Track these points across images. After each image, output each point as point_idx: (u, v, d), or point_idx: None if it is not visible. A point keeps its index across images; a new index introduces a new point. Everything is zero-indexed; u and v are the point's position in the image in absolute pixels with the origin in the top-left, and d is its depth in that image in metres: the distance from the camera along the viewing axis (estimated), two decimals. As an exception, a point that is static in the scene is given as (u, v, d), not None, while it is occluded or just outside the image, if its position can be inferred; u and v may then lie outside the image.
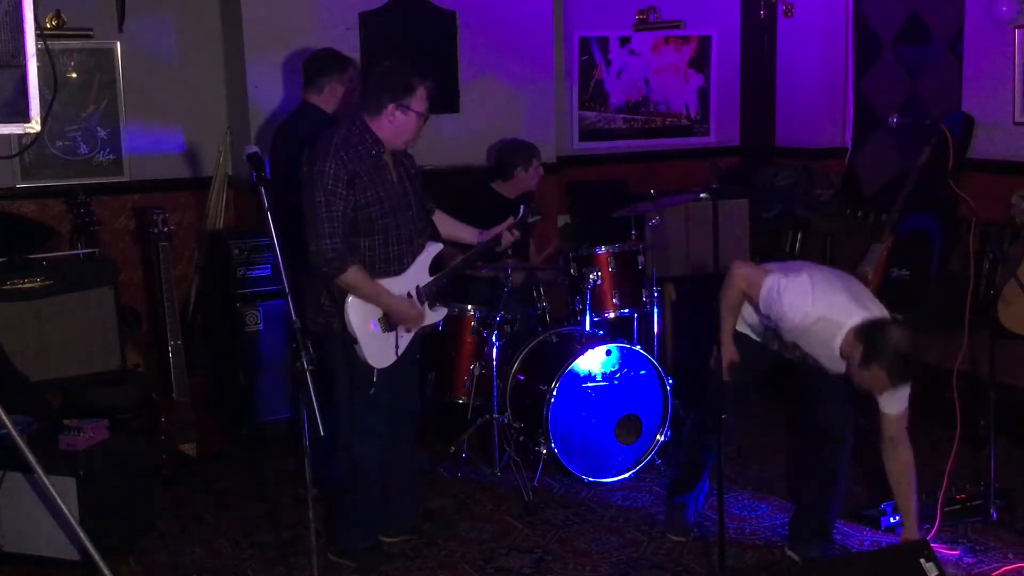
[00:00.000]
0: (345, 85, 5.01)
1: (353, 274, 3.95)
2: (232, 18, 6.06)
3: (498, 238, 4.38)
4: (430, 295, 4.20)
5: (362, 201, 3.94)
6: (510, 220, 4.43)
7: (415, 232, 4.14)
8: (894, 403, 3.85)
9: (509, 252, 4.97)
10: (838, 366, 3.83)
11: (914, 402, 5.60)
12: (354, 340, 4.00)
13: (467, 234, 4.46)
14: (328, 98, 4.99)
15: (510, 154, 5.76)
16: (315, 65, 5.05)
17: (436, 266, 4.27)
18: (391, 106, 3.99)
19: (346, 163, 3.92)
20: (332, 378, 4.13)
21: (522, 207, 4.61)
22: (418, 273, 4.16)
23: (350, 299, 3.98)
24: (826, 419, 4.13)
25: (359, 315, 4.00)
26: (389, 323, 4.07)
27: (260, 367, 5.53)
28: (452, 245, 4.53)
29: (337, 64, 5.02)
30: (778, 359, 4.18)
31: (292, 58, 5.93)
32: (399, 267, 4.09)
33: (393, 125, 4.01)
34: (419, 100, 4.03)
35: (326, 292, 4.01)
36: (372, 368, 4.04)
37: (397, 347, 4.11)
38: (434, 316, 4.28)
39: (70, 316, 5.18)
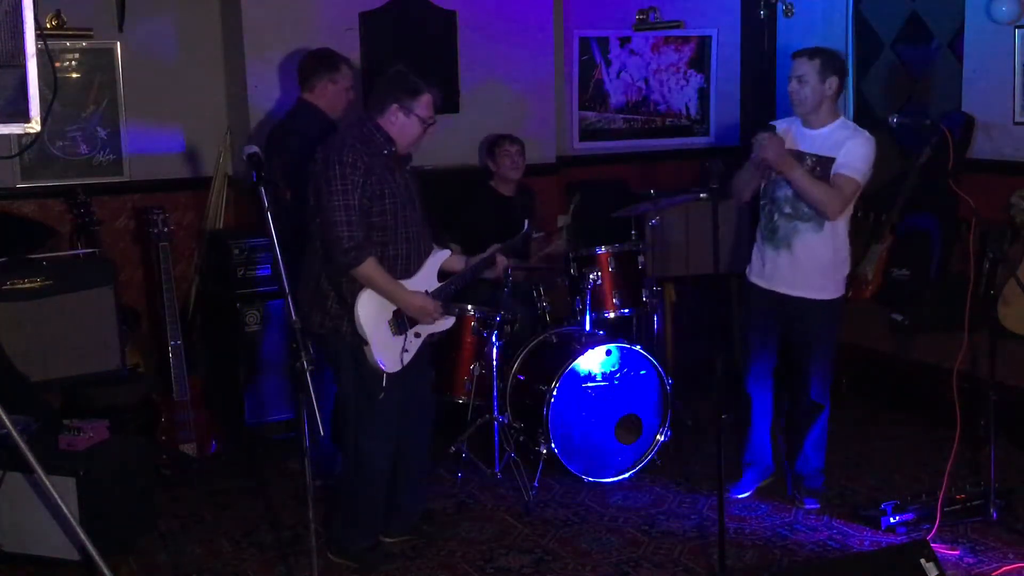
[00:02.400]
0: (337, 83, 4.99)
1: (370, 265, 3.94)
2: (232, 18, 6.06)
3: (492, 259, 4.36)
4: (438, 301, 4.19)
5: (377, 192, 3.94)
6: (496, 246, 4.42)
7: (422, 235, 4.14)
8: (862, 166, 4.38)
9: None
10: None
11: (914, 402, 5.63)
12: (364, 342, 3.99)
13: (453, 262, 4.40)
14: (320, 96, 5.00)
15: (483, 148, 5.82)
16: (306, 65, 5.07)
17: (441, 274, 4.26)
18: (395, 106, 4.00)
19: (362, 154, 3.92)
20: (339, 381, 4.13)
21: (526, 222, 4.60)
22: (427, 278, 4.15)
23: (361, 301, 3.96)
24: (811, 373, 4.60)
25: (370, 316, 3.99)
26: (400, 326, 4.06)
27: (260, 367, 5.53)
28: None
29: (326, 64, 5.01)
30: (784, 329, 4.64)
31: (292, 58, 5.91)
32: (406, 270, 4.08)
33: (395, 127, 4.02)
34: (423, 106, 4.03)
35: (334, 295, 4.00)
36: (381, 372, 4.03)
37: (405, 351, 4.10)
38: (443, 324, 4.27)
39: (70, 316, 5.17)
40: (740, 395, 4.82)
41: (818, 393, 4.63)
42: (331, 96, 4.99)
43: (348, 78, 5.03)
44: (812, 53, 4.43)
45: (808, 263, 4.46)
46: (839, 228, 4.47)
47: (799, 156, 4.43)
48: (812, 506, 4.69)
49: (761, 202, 4.61)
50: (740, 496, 4.78)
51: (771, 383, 4.76)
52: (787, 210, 4.48)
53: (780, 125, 4.53)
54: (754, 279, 4.66)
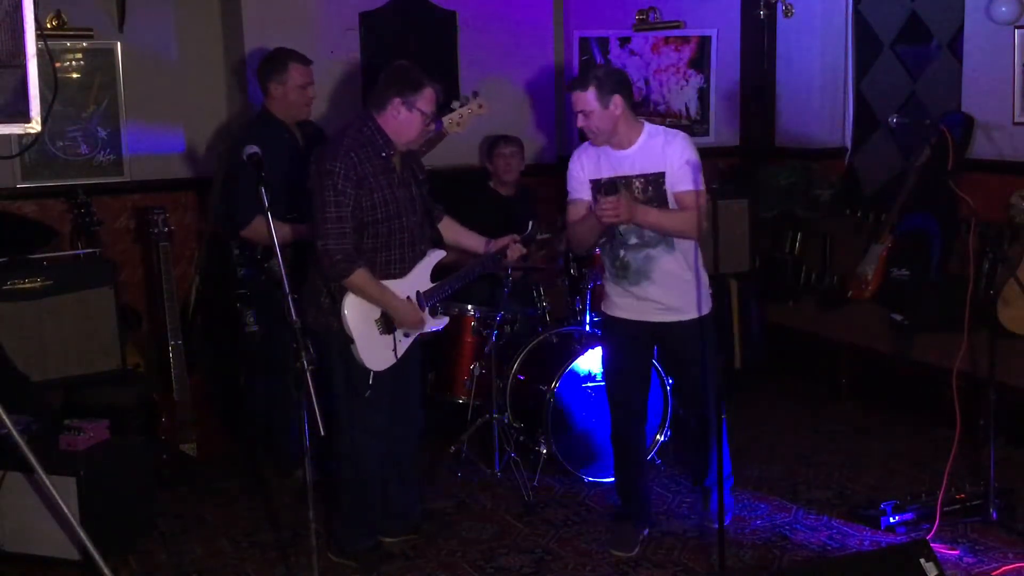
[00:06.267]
0: (286, 84, 4.89)
1: (359, 276, 3.95)
2: (232, 18, 6.06)
3: (503, 250, 4.37)
4: (432, 302, 4.20)
5: (368, 203, 3.94)
6: (513, 236, 4.42)
7: (418, 237, 4.14)
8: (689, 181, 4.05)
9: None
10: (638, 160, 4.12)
11: (914, 402, 5.62)
12: (350, 341, 4.00)
13: (474, 242, 4.44)
14: (273, 100, 4.94)
15: (483, 148, 5.83)
16: (259, 70, 5.01)
17: (438, 273, 4.27)
18: (397, 100, 3.99)
19: (356, 164, 3.92)
20: (331, 378, 4.13)
21: (531, 223, 4.60)
22: (419, 278, 4.15)
23: (348, 300, 3.98)
24: (704, 392, 4.29)
25: (357, 316, 4.00)
26: (388, 325, 4.07)
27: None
28: (458, 252, 4.54)
29: (273, 64, 4.95)
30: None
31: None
32: (400, 270, 4.08)
33: (396, 122, 4.02)
34: (425, 100, 4.03)
35: (326, 291, 4.01)
36: (368, 370, 4.04)
37: (395, 350, 4.10)
38: (436, 324, 4.27)
39: (70, 316, 5.17)
40: (620, 442, 4.43)
41: (712, 409, 4.29)
42: (284, 97, 4.92)
43: (300, 75, 4.91)
44: (583, 82, 4.04)
45: (674, 287, 4.14)
46: (690, 243, 4.15)
47: (626, 183, 4.08)
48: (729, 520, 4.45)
49: (600, 241, 4.25)
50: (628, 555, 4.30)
51: (644, 429, 4.46)
52: (633, 241, 4.16)
53: (584, 157, 4.20)
54: (618, 313, 4.29)
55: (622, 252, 4.19)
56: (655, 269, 4.16)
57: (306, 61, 4.96)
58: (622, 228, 4.15)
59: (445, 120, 5.03)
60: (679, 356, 4.34)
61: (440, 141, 5.17)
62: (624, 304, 4.27)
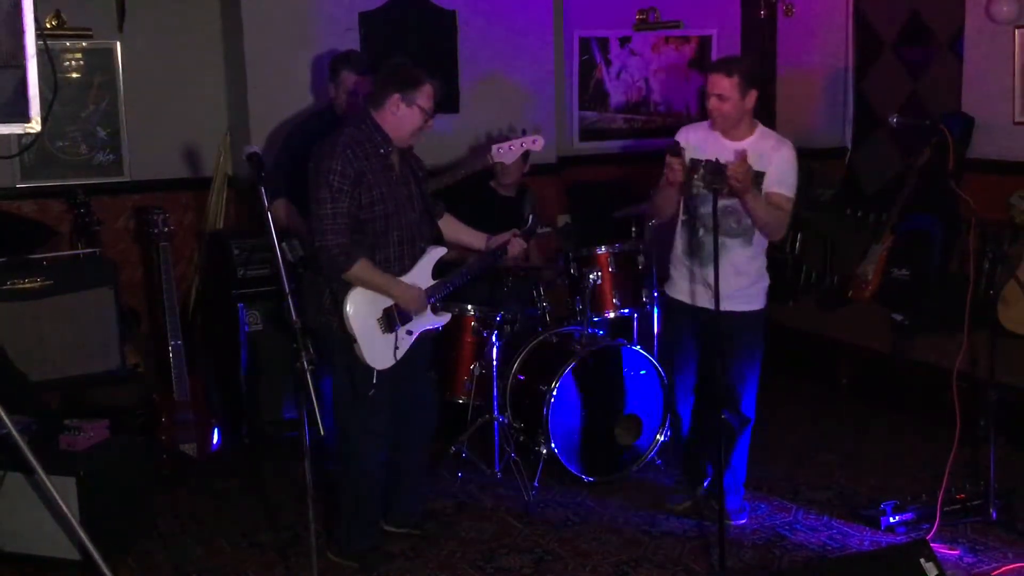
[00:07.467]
0: (339, 87, 5.04)
1: (361, 267, 3.95)
2: (232, 18, 6.06)
3: (505, 246, 4.37)
4: (433, 298, 4.20)
5: (366, 200, 3.95)
6: (514, 230, 4.42)
7: (418, 234, 4.15)
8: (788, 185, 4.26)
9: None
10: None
11: (914, 402, 5.62)
12: (353, 339, 4.00)
13: (474, 239, 4.46)
14: (334, 97, 5.10)
15: None
16: (329, 65, 5.18)
17: (439, 270, 4.27)
18: (396, 96, 4.00)
19: (352, 161, 3.92)
20: (333, 377, 4.13)
21: (531, 217, 4.61)
22: (420, 275, 4.15)
23: (349, 299, 3.98)
24: (743, 387, 4.45)
25: (358, 315, 4.00)
26: (389, 324, 4.07)
27: (260, 367, 5.53)
28: (459, 249, 4.54)
29: (333, 65, 5.09)
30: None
31: (292, 58, 5.93)
32: (400, 268, 4.09)
33: (396, 118, 4.02)
34: (424, 96, 4.04)
35: (328, 291, 4.01)
36: (372, 369, 4.04)
37: (397, 349, 4.11)
38: (437, 320, 4.28)
39: (70, 316, 5.18)
40: (673, 410, 4.72)
41: (748, 406, 4.47)
42: (335, 96, 5.08)
43: (351, 83, 5.02)
44: (729, 69, 4.20)
45: (736, 278, 4.27)
46: (764, 241, 4.38)
47: (724, 169, 4.16)
48: (741, 521, 4.55)
49: (682, 218, 4.42)
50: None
51: (692, 401, 4.63)
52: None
53: (692, 135, 4.37)
54: (678, 296, 4.51)
55: (701, 233, 4.35)
56: (727, 259, 4.26)
57: (360, 71, 5.06)
58: (704, 211, 4.26)
59: (494, 148, 5.16)
60: (719, 347, 4.35)
61: (483, 167, 5.27)
62: (683, 287, 4.48)
